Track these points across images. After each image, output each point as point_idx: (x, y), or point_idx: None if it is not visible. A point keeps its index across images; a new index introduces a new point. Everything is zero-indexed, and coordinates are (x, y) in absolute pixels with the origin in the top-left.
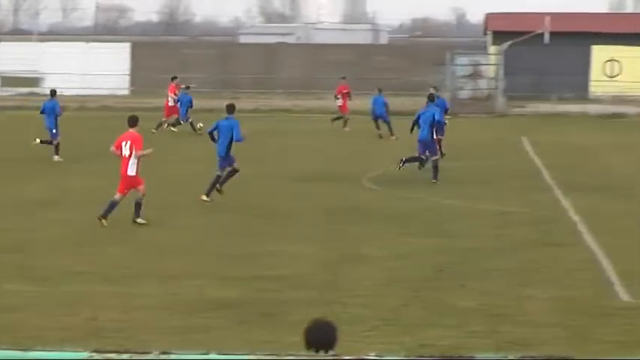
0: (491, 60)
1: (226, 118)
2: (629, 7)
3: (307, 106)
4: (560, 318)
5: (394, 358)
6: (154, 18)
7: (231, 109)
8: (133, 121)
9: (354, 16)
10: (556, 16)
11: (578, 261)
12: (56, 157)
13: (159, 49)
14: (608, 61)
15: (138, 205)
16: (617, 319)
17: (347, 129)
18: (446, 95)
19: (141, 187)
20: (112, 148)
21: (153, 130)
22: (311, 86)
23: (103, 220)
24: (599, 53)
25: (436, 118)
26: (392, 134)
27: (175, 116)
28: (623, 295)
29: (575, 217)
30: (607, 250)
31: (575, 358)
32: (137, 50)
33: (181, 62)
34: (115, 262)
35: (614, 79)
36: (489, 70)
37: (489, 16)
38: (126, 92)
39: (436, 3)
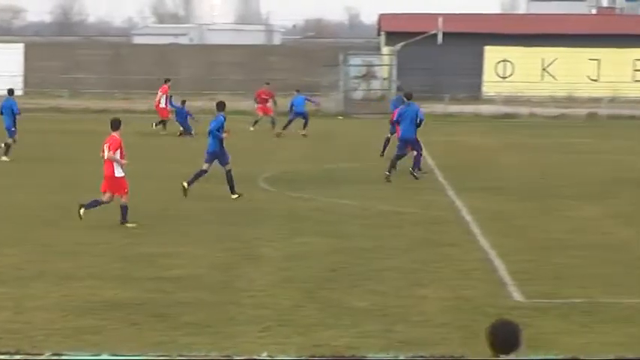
0: (385, 60)
1: (216, 116)
2: (522, 9)
3: (201, 106)
4: (453, 318)
5: (285, 358)
6: (48, 18)
7: (221, 106)
8: (114, 124)
9: (248, 16)
10: (449, 17)
11: (472, 261)
12: (4, 158)
13: (52, 50)
14: (501, 61)
15: (124, 209)
16: (510, 318)
17: (252, 129)
18: (339, 96)
19: (125, 195)
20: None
21: (162, 133)
22: (204, 87)
23: (82, 209)
24: (492, 54)
25: (420, 116)
26: (277, 132)
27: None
28: (516, 295)
29: (469, 218)
30: (500, 250)
31: (467, 358)
32: (30, 51)
33: (75, 63)
34: (9, 263)
35: (506, 79)
36: (383, 71)
37: (382, 17)
38: (19, 93)
39: (330, 4)
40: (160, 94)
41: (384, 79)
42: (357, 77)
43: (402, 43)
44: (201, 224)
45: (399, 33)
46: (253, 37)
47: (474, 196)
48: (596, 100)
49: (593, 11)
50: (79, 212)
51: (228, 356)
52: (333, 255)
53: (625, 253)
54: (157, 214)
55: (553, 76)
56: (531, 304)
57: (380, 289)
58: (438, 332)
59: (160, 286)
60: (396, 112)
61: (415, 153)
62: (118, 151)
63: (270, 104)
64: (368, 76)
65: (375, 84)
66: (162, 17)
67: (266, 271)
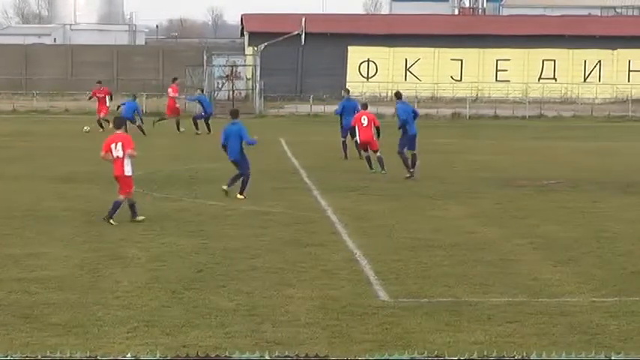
0: (248, 61)
1: (232, 123)
2: (385, 9)
3: (64, 107)
4: (320, 317)
5: (151, 359)
6: None
7: (235, 114)
8: (119, 123)
9: (111, 16)
10: (312, 17)
11: (338, 261)
12: None
13: None
14: (364, 62)
15: (132, 206)
16: (376, 317)
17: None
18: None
19: (126, 194)
20: (102, 153)
21: (182, 129)
22: (68, 87)
23: (111, 220)
24: (355, 54)
25: (417, 112)
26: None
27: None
28: (382, 294)
29: (334, 217)
30: (365, 250)
31: (333, 358)
32: None
33: None
34: None
35: (370, 79)
36: (247, 71)
37: (245, 17)
38: None
39: (193, 4)
40: (172, 93)
41: (248, 79)
42: (221, 78)
43: (265, 44)
44: (67, 225)
45: (263, 33)
46: (117, 37)
47: (339, 196)
48: (460, 100)
49: (456, 12)
50: (109, 222)
51: (95, 357)
52: (199, 255)
53: (489, 252)
54: (22, 215)
55: (417, 77)
56: (397, 303)
57: (246, 289)
58: (305, 332)
59: (26, 286)
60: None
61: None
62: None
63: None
64: (232, 77)
65: (240, 84)
66: (26, 17)
67: (132, 271)
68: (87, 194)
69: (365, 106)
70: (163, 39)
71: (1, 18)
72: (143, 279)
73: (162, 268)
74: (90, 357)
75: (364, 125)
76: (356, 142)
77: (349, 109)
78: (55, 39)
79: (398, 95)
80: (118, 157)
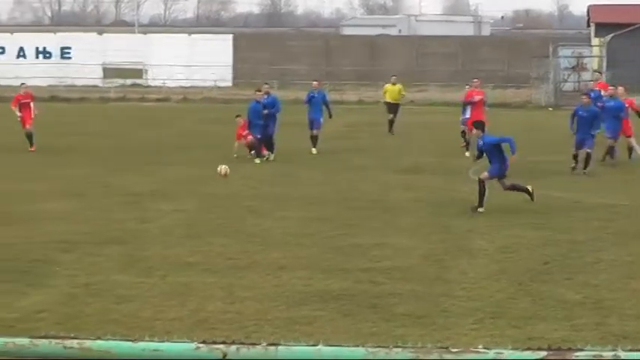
0: (594, 52)
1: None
2: None
3: (410, 97)
4: None
5: (502, 350)
6: (256, 10)
7: None
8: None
9: (456, 7)
10: None
11: None
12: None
13: (261, 41)
14: None
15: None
16: None
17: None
18: (549, 88)
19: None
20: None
21: None
22: (413, 78)
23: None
24: None
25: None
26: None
27: None
28: None
29: None
30: None
31: None
32: (239, 42)
33: (283, 54)
34: (220, 252)
35: None
36: (593, 63)
37: (592, 8)
38: (228, 84)
39: None
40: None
41: (594, 71)
42: (567, 69)
43: (611, 35)
44: (413, 215)
45: (609, 24)
46: (462, 28)
47: None
48: None
49: None
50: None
51: (445, 347)
52: (545, 247)
53: None
54: (369, 205)
55: None
56: None
57: (593, 282)
58: None
59: (371, 276)
60: None
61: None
62: None
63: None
64: (578, 68)
65: (586, 76)
66: (370, 8)
67: (479, 263)
68: (432, 185)
69: None
70: (508, 30)
71: (347, 9)
72: (489, 270)
73: (509, 260)
74: (441, 347)
75: None
76: None
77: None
78: (399, 30)
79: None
80: None
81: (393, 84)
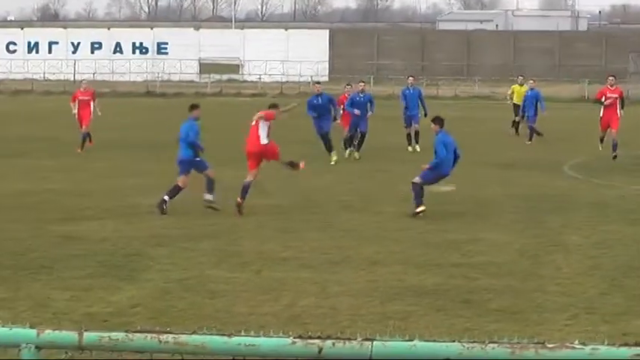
0: None
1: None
2: None
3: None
4: None
5: (598, 346)
6: (353, 5)
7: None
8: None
9: (553, 2)
10: None
11: None
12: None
13: (357, 36)
14: None
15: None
16: None
17: None
18: None
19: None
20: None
21: None
22: (509, 73)
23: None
24: None
25: None
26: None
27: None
28: None
29: None
30: None
31: None
32: (335, 37)
33: (379, 49)
34: (314, 247)
35: None
36: None
37: None
38: (325, 79)
39: None
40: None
41: None
42: None
43: None
44: (507, 211)
45: None
46: (559, 22)
47: None
48: None
49: None
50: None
51: (541, 342)
52: (638, 243)
53: None
54: (458, 201)
55: None
56: None
57: None
58: None
59: (465, 272)
60: None
61: None
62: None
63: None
64: None
65: None
66: (468, 3)
67: (573, 258)
68: (527, 181)
69: None
70: (606, 25)
71: (444, 4)
72: (584, 266)
73: (603, 256)
74: (537, 343)
75: None
76: None
77: None
78: (496, 25)
79: None
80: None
81: (521, 84)
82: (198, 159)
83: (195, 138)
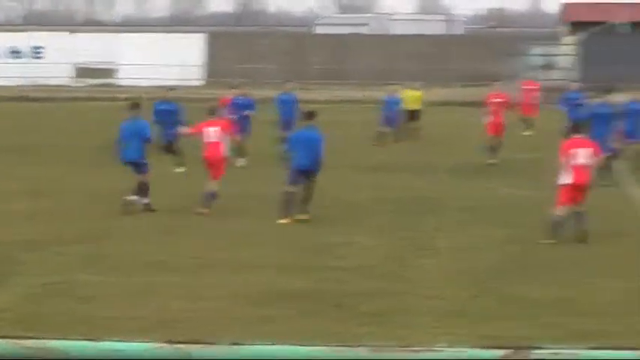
0: (567, 51)
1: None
2: None
3: (380, 97)
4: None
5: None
6: (229, 8)
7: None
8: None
9: (429, 6)
10: (638, 6)
11: None
12: None
13: (234, 40)
14: None
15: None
16: None
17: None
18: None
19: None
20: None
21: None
22: (385, 78)
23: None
24: None
25: None
26: None
27: None
28: None
29: None
30: None
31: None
32: (212, 41)
33: (256, 53)
34: (185, 251)
35: None
36: (565, 61)
37: (565, 6)
38: (202, 82)
39: None
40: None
41: (566, 69)
42: (537, 67)
43: (584, 33)
44: (378, 214)
45: (583, 23)
46: (435, 27)
47: None
48: None
49: None
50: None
51: (405, 346)
52: (509, 245)
53: None
54: (331, 204)
55: None
56: None
57: (555, 280)
58: (613, 324)
59: (337, 275)
60: None
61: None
62: None
63: None
64: (548, 67)
65: (556, 74)
66: (344, 7)
67: (443, 261)
68: (400, 184)
69: None
70: (483, 28)
71: (319, 9)
72: (453, 269)
73: (473, 258)
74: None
75: None
76: None
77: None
78: (372, 29)
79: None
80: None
81: (415, 90)
82: (145, 161)
83: (150, 135)
